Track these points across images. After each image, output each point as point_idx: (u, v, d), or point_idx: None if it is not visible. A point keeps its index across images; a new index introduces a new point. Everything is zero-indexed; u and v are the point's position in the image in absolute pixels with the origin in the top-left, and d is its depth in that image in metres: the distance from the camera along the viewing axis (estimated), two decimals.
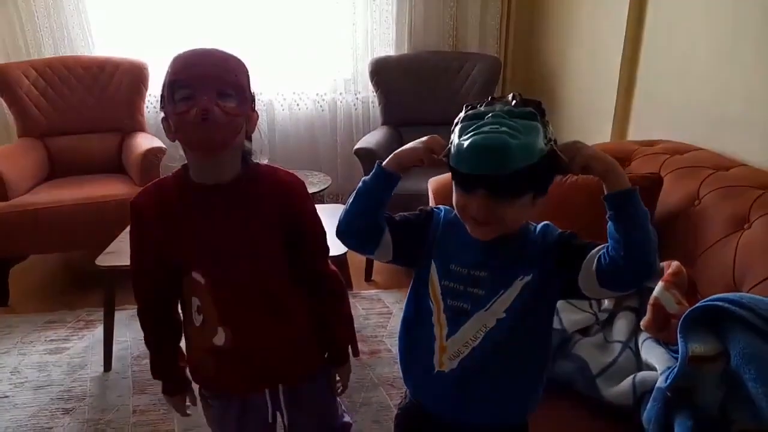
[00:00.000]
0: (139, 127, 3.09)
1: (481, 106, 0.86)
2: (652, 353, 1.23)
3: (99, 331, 2.28)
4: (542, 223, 0.93)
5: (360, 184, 0.94)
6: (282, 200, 1.08)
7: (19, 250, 2.70)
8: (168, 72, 0.96)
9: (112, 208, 2.56)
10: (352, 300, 2.41)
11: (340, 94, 3.44)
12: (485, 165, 0.81)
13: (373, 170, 0.93)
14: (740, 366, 1.00)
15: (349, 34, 3.34)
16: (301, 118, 3.46)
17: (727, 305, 1.05)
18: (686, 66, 1.97)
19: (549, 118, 0.86)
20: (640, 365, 1.26)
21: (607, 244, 0.81)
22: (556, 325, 1.36)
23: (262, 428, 1.20)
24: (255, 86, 1.04)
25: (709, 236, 1.44)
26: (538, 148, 0.80)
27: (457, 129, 0.86)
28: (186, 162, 1.05)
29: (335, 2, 3.27)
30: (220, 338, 1.08)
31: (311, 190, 2.69)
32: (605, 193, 0.80)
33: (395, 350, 1.09)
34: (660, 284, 1.30)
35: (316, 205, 1.18)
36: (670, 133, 1.98)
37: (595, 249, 0.83)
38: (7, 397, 2.01)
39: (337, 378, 1.26)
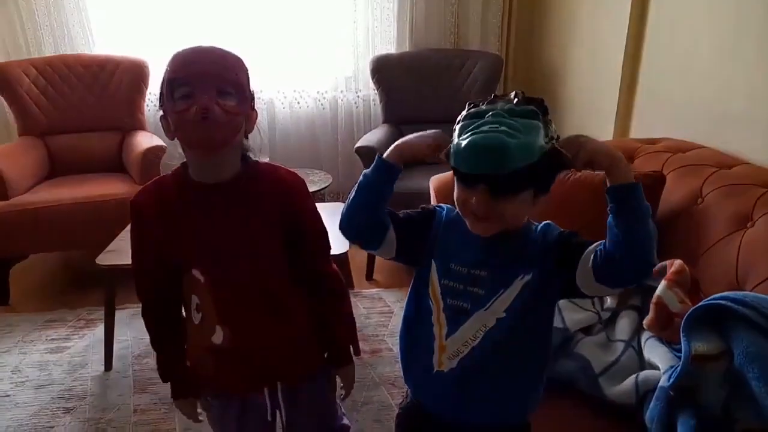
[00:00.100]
0: (140, 126, 3.09)
1: (483, 105, 0.85)
2: (655, 352, 1.22)
3: (100, 330, 2.27)
4: (543, 223, 0.93)
5: (361, 177, 0.93)
6: (282, 199, 1.07)
7: (19, 250, 2.70)
8: (167, 70, 0.96)
9: (112, 207, 2.55)
10: (353, 299, 2.40)
11: (341, 92, 3.44)
12: (483, 165, 0.81)
13: (374, 163, 0.92)
14: (743, 365, 1.00)
15: (350, 31, 3.33)
16: (301, 116, 3.46)
17: (730, 304, 1.04)
18: (688, 63, 1.96)
19: (551, 116, 0.86)
20: (643, 364, 1.26)
21: (604, 241, 0.80)
22: (558, 324, 1.36)
23: (262, 428, 1.20)
24: (255, 84, 1.03)
25: (712, 235, 1.44)
26: (538, 147, 0.80)
27: (457, 128, 0.86)
28: (185, 160, 1.05)
29: (336, 0, 3.26)
30: (218, 337, 1.08)
31: (312, 188, 2.69)
32: (608, 185, 0.79)
33: (396, 349, 1.09)
34: (663, 283, 1.30)
35: (317, 204, 1.18)
36: (673, 131, 1.97)
37: (593, 246, 0.82)
38: (8, 396, 2.01)
39: (340, 382, 1.24)
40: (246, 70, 1.01)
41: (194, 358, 1.16)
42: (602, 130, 2.44)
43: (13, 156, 2.74)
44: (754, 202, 1.39)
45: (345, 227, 0.95)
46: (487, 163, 0.80)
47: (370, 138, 2.87)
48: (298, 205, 1.09)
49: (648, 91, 2.26)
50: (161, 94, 0.97)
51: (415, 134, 0.93)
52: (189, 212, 1.04)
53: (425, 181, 2.04)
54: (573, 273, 0.84)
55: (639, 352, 1.29)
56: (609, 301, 1.46)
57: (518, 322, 0.88)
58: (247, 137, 1.06)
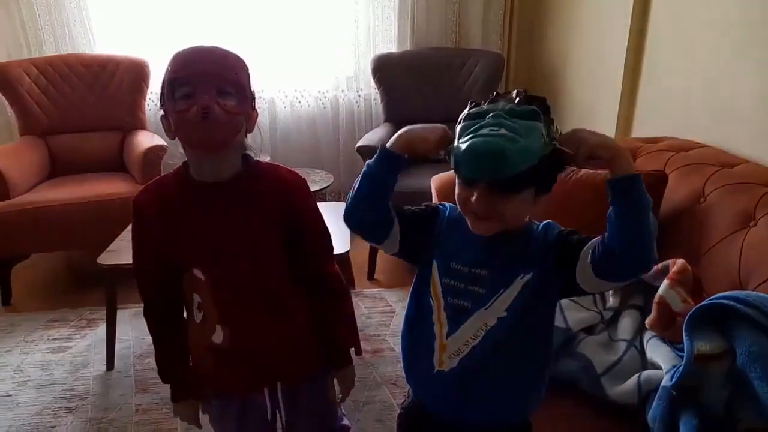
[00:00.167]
0: (141, 125, 3.09)
1: (484, 104, 0.85)
2: (658, 352, 1.22)
3: (101, 329, 2.27)
4: (544, 222, 0.92)
5: (364, 167, 0.92)
6: (282, 198, 1.07)
7: (21, 249, 2.70)
8: (168, 69, 0.96)
9: (113, 206, 2.55)
10: (354, 299, 2.40)
11: (342, 91, 3.43)
12: (482, 171, 0.81)
13: (377, 152, 0.91)
14: (746, 364, 0.99)
15: (351, 30, 3.32)
16: (302, 115, 3.45)
17: (732, 303, 1.04)
18: (691, 61, 1.96)
19: (553, 115, 0.85)
20: (645, 364, 1.25)
21: (603, 234, 0.80)
22: (560, 323, 1.36)
23: (262, 428, 1.20)
24: (256, 83, 1.04)
25: (715, 234, 1.43)
26: (538, 149, 0.79)
27: (458, 128, 0.86)
28: (186, 159, 1.04)
29: None
30: (218, 336, 1.08)
31: (313, 188, 2.69)
32: (609, 177, 0.78)
33: (398, 349, 1.09)
34: (665, 282, 1.29)
35: (318, 203, 1.17)
36: (675, 130, 1.97)
37: (591, 241, 0.82)
38: (10, 395, 2.01)
39: (337, 384, 1.23)
40: (246, 69, 1.01)
41: (195, 357, 1.16)
42: (604, 129, 2.42)
43: (14, 156, 2.74)
44: (756, 201, 1.38)
45: (349, 218, 0.94)
46: (486, 168, 0.80)
47: (372, 137, 2.87)
48: (299, 205, 1.09)
49: (650, 89, 2.25)
50: (162, 93, 0.97)
51: (419, 125, 0.92)
52: (189, 211, 1.04)
53: (427, 181, 2.04)
54: (573, 272, 0.83)
55: (641, 351, 1.29)
56: (611, 301, 1.45)
57: (519, 322, 0.88)
58: (247, 137, 1.06)
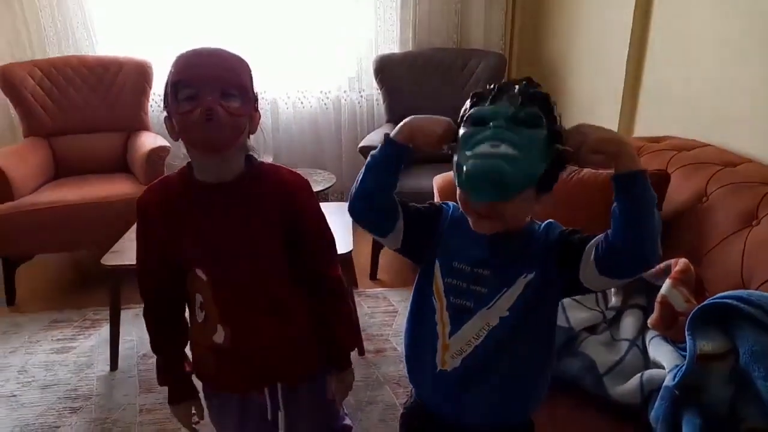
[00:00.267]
0: (144, 126, 3.09)
1: (486, 103, 0.84)
2: (660, 351, 1.22)
3: (105, 330, 2.29)
4: (546, 221, 0.92)
5: (368, 158, 0.91)
6: (283, 199, 1.07)
7: (25, 250, 2.71)
8: (171, 71, 0.96)
9: (117, 207, 2.56)
10: (357, 298, 2.42)
11: (345, 92, 3.44)
12: (483, 195, 0.81)
13: (382, 142, 0.90)
14: (749, 364, 1.00)
15: (354, 31, 3.33)
16: (305, 116, 3.46)
17: (735, 302, 1.04)
18: (693, 61, 1.96)
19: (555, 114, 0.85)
20: (648, 363, 1.25)
21: (607, 231, 0.79)
22: (563, 323, 1.36)
23: (263, 428, 1.20)
24: (259, 84, 1.04)
25: (717, 233, 1.43)
26: (539, 163, 0.79)
27: (461, 133, 0.85)
28: (190, 160, 1.05)
29: (339, 0, 3.26)
30: (219, 336, 1.08)
31: (315, 188, 2.68)
32: (614, 173, 0.78)
33: (401, 349, 1.09)
34: (668, 282, 1.29)
35: (320, 203, 1.17)
36: (677, 129, 1.97)
37: (594, 239, 0.82)
38: (14, 396, 2.02)
39: (334, 387, 1.22)
40: (249, 71, 1.01)
41: (197, 356, 1.16)
42: (606, 128, 2.43)
43: (18, 157, 2.75)
44: (759, 200, 1.38)
45: (354, 210, 0.93)
46: (486, 194, 0.81)
47: (374, 137, 2.87)
48: (299, 205, 1.10)
49: (652, 88, 2.25)
50: (165, 95, 0.98)
51: (424, 117, 0.90)
52: (192, 212, 1.04)
53: (429, 180, 2.05)
54: (575, 272, 0.83)
55: (644, 351, 1.29)
56: (613, 300, 1.45)
57: (521, 321, 0.88)
58: (250, 138, 1.06)
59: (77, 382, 2.09)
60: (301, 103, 3.43)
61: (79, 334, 2.40)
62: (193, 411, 1.19)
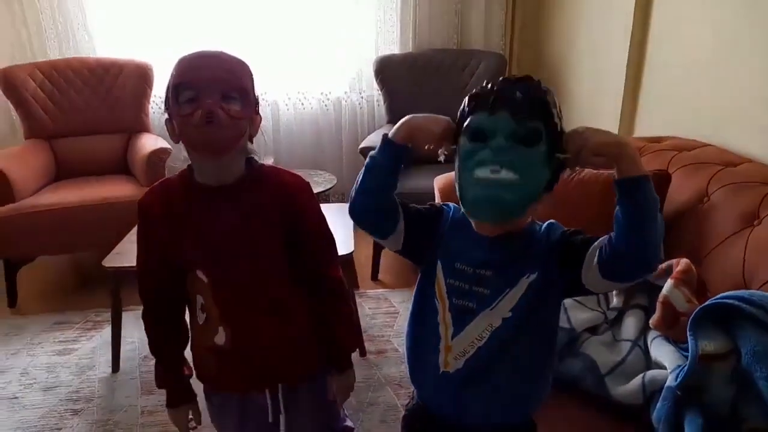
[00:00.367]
0: (144, 128, 3.10)
1: (485, 111, 0.82)
2: (662, 351, 1.22)
3: (107, 331, 2.29)
4: (547, 222, 0.92)
5: (368, 159, 0.91)
6: (283, 200, 1.08)
7: (26, 252, 2.71)
8: (173, 74, 0.97)
9: (118, 208, 2.56)
10: (358, 299, 2.41)
11: (345, 93, 3.44)
12: (486, 218, 0.87)
13: (381, 143, 0.90)
14: (750, 364, 0.99)
15: (354, 32, 3.33)
16: (306, 117, 3.46)
17: (737, 303, 1.04)
18: (693, 61, 1.96)
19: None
20: (650, 364, 1.25)
21: (608, 235, 0.79)
22: (564, 323, 1.36)
23: (263, 428, 1.20)
24: (260, 86, 1.04)
25: (718, 233, 1.43)
26: (541, 180, 0.82)
27: (460, 145, 0.85)
28: (191, 162, 1.05)
29: (339, 1, 3.26)
30: (220, 338, 1.09)
31: (316, 189, 2.69)
32: (616, 177, 0.78)
33: (402, 350, 1.09)
34: (669, 282, 1.29)
35: (321, 205, 1.17)
36: (678, 129, 1.96)
37: (597, 241, 0.82)
38: (16, 398, 2.02)
39: (335, 389, 1.21)
40: (250, 74, 1.02)
41: (198, 357, 1.17)
42: (607, 128, 2.40)
43: (19, 159, 2.75)
44: (760, 200, 1.38)
45: (354, 211, 0.93)
46: (489, 218, 0.86)
47: (375, 138, 2.87)
48: (299, 207, 1.10)
49: (652, 88, 2.25)
50: (166, 98, 0.98)
51: (422, 115, 0.90)
52: (192, 214, 1.05)
53: (429, 181, 2.04)
54: (577, 272, 0.83)
55: (645, 351, 1.29)
56: (615, 301, 1.45)
57: (524, 322, 0.88)
58: (251, 141, 1.06)
59: (79, 383, 2.09)
60: (302, 104, 3.43)
61: (80, 336, 2.40)
62: (191, 416, 1.19)
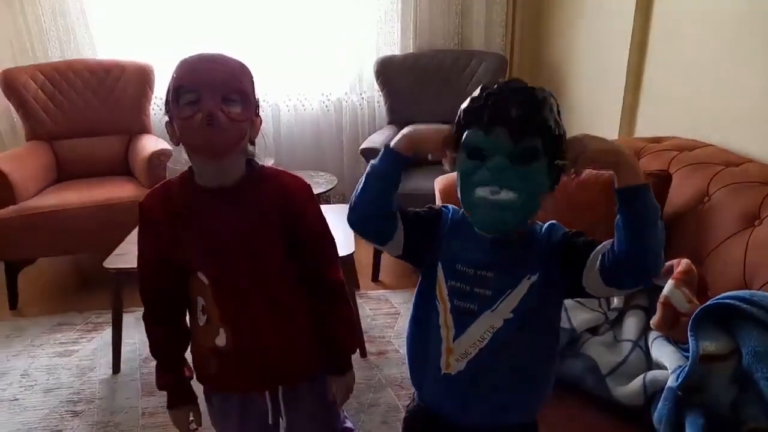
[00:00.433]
0: (145, 130, 3.10)
1: (481, 128, 0.81)
2: (663, 352, 1.22)
3: (108, 333, 2.29)
4: (548, 222, 0.93)
5: (368, 167, 0.91)
6: (283, 202, 1.08)
7: (27, 254, 2.71)
8: (173, 77, 0.97)
9: (119, 210, 2.56)
10: (359, 300, 2.41)
11: (346, 94, 3.44)
12: (490, 234, 0.87)
13: (381, 152, 0.90)
14: (751, 364, 0.99)
15: (354, 33, 3.33)
16: (306, 118, 3.46)
17: (738, 303, 1.04)
18: (694, 60, 1.95)
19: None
20: (651, 364, 1.25)
21: (611, 240, 0.80)
22: (565, 324, 1.36)
23: (263, 430, 1.20)
24: (260, 88, 1.04)
25: (719, 233, 1.43)
26: (540, 192, 0.83)
27: (457, 163, 0.85)
28: (191, 164, 1.05)
29: (339, 2, 3.26)
30: (221, 339, 1.09)
31: (317, 190, 2.69)
32: (616, 186, 0.78)
33: (403, 351, 1.09)
34: (670, 282, 1.29)
35: (322, 206, 1.18)
36: (679, 129, 1.96)
37: (600, 246, 0.82)
38: (17, 399, 2.02)
39: (334, 391, 1.21)
40: (251, 77, 1.02)
41: (199, 358, 1.17)
42: (607, 128, 2.43)
43: (20, 160, 2.76)
44: (761, 201, 1.38)
45: (354, 220, 0.93)
46: (492, 234, 0.87)
47: (375, 139, 2.87)
48: (299, 208, 1.10)
49: (653, 89, 2.25)
50: (167, 100, 0.99)
51: (424, 126, 0.91)
52: (193, 215, 1.05)
53: (430, 182, 2.04)
54: (578, 274, 0.83)
55: (646, 352, 1.29)
56: (616, 301, 1.45)
57: (525, 323, 0.88)
58: (251, 143, 1.07)
59: (80, 385, 2.09)
60: (303, 105, 3.43)
61: (81, 338, 2.40)
62: (191, 417, 1.19)
